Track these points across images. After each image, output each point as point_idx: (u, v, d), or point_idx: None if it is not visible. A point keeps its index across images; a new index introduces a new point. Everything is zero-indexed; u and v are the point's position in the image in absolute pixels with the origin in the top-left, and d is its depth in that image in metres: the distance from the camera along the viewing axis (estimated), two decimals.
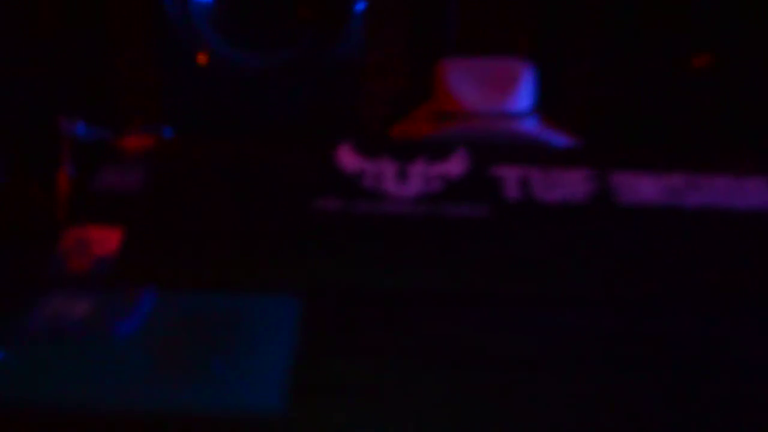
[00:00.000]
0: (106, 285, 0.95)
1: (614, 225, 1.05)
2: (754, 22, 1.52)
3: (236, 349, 0.85)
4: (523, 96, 1.41)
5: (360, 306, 0.96)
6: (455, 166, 1.16)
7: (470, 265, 1.01)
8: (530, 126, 1.42)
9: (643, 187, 1.09)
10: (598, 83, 1.72)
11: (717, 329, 0.91)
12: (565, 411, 0.81)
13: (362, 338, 0.91)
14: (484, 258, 1.01)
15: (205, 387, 0.77)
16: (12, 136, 1.37)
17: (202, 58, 1.34)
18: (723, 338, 0.90)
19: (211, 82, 1.45)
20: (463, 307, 0.96)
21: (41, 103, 1.40)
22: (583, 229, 1.05)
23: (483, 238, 1.04)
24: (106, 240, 1.00)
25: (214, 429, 0.76)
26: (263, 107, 1.47)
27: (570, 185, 1.10)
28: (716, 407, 0.81)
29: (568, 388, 0.83)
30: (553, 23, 1.74)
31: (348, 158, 1.18)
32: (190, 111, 1.43)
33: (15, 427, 0.73)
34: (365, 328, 0.92)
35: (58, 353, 0.81)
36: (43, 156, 1.34)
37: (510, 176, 1.12)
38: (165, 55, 1.37)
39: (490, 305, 0.96)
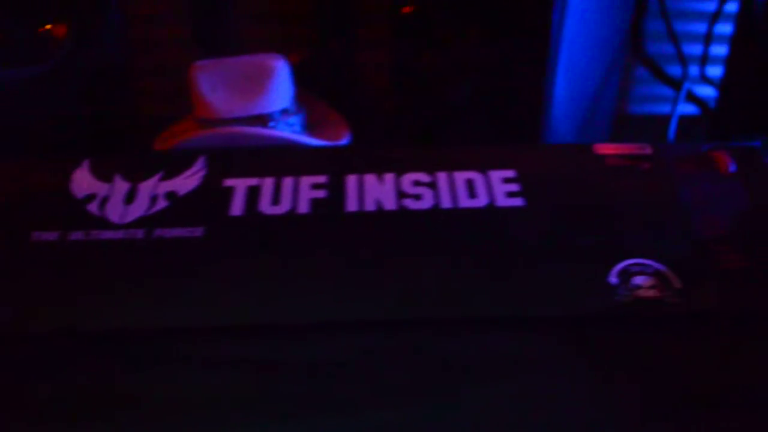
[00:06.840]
0: None
1: (344, 232, 0.97)
2: None
3: None
4: (275, 96, 1.30)
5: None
6: (188, 181, 1.05)
7: (184, 293, 0.90)
8: (287, 128, 1.32)
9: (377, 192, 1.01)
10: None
11: None
12: None
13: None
14: (196, 283, 0.91)
15: None
16: None
17: None
18: None
19: None
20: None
21: None
22: (310, 240, 0.96)
23: (198, 261, 0.94)
24: None
25: None
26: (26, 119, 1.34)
27: (300, 194, 1.01)
28: None
29: None
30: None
31: (81, 182, 1.06)
32: None
33: None
34: None
35: None
36: None
37: (239, 188, 1.02)
38: None
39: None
